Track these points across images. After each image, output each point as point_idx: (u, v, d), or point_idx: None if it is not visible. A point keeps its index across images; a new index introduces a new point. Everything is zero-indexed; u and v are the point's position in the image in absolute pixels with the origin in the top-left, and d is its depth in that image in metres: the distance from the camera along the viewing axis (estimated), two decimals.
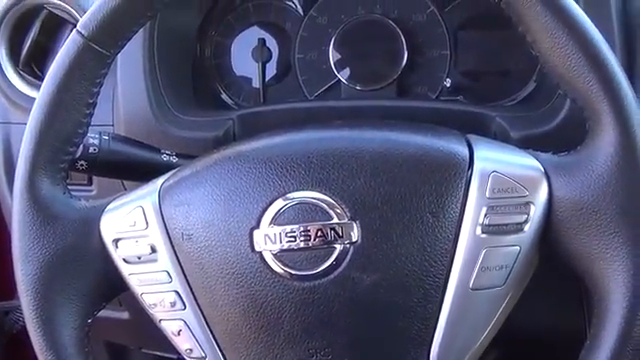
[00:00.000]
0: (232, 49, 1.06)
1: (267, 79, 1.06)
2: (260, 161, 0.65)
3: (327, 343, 0.65)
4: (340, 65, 1.02)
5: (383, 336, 0.65)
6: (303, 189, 0.66)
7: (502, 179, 0.66)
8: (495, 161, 0.67)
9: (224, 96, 1.06)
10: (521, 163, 0.68)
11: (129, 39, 0.71)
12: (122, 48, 0.72)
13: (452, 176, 0.66)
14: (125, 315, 1.05)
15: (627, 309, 0.62)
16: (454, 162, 0.66)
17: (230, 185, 0.67)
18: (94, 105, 0.71)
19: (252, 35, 1.05)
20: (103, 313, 0.75)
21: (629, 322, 0.62)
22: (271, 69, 1.06)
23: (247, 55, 1.05)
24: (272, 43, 1.06)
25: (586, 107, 0.65)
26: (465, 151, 0.67)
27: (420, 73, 1.00)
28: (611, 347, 0.62)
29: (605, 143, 0.64)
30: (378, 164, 0.66)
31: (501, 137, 0.88)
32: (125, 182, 0.93)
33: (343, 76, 1.02)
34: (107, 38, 0.69)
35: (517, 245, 0.65)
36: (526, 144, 0.75)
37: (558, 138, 0.82)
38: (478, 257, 0.65)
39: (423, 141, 0.68)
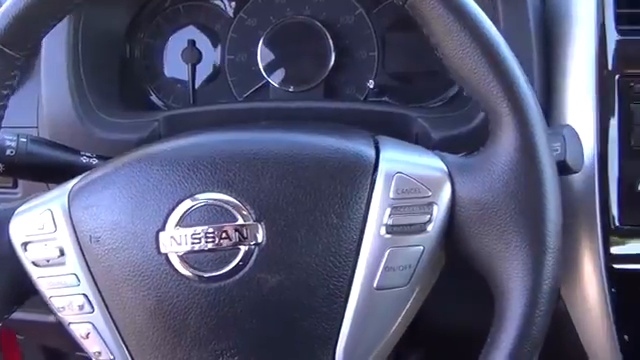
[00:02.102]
0: (163, 50, 1.07)
1: (198, 81, 1.06)
2: (167, 163, 0.66)
3: (233, 344, 0.66)
4: (269, 66, 1.03)
5: (289, 336, 0.66)
6: (209, 191, 0.67)
7: (406, 180, 0.67)
8: (400, 162, 0.69)
9: (154, 98, 1.07)
10: (426, 164, 0.69)
11: (40, 40, 0.72)
12: (33, 50, 0.72)
13: (357, 177, 0.67)
14: (52, 318, 1.05)
15: (525, 308, 0.64)
16: (360, 163, 0.68)
17: (137, 187, 0.68)
18: (4, 107, 0.72)
19: (183, 36, 1.06)
20: (32, 317, 0.75)
21: (527, 321, 0.64)
22: (202, 71, 1.07)
23: (178, 56, 1.06)
24: (203, 45, 1.06)
25: (488, 109, 0.67)
26: (371, 152, 0.69)
27: (348, 74, 1.02)
28: (510, 346, 0.64)
29: (505, 144, 0.66)
30: (284, 166, 0.67)
31: (423, 138, 0.90)
32: (50, 185, 0.93)
33: (272, 77, 1.03)
34: (17, 40, 0.70)
35: (421, 245, 0.67)
36: (446, 145, 0.78)
37: (477, 139, 0.83)
38: (382, 257, 0.66)
39: (330, 143, 0.70)
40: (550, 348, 0.87)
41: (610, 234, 0.85)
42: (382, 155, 0.69)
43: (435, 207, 0.67)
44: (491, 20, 0.84)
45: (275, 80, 1.03)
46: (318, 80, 1.02)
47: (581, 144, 0.75)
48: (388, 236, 0.67)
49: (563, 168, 0.74)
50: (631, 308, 0.86)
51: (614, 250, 0.85)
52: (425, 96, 1.00)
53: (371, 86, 1.00)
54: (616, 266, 0.86)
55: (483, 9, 0.84)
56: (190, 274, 0.66)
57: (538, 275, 0.64)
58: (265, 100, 1.03)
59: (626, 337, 0.86)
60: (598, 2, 0.87)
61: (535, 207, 0.65)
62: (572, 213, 0.87)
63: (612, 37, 0.87)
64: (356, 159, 0.68)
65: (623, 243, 0.85)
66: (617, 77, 0.85)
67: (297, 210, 0.66)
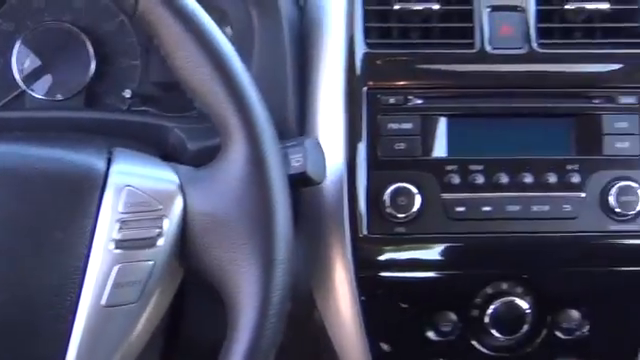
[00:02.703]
0: None
1: None
2: None
3: None
4: (26, 74, 0.99)
5: (13, 357, 0.63)
6: None
7: (136, 193, 0.66)
8: (131, 175, 0.67)
9: None
10: (158, 177, 0.69)
11: None
12: None
13: (85, 191, 0.66)
14: None
15: (255, 320, 0.65)
16: (88, 177, 0.66)
17: None
18: None
19: None
20: None
21: (258, 333, 0.65)
22: None
23: None
24: None
25: (218, 120, 0.67)
26: (102, 165, 0.67)
27: (109, 83, 1.00)
28: (240, 358, 0.64)
29: (236, 156, 0.66)
30: (6, 180, 0.64)
31: (179, 149, 0.89)
32: None
33: (28, 85, 0.99)
34: None
35: (151, 260, 0.66)
36: (203, 156, 0.77)
37: None
38: (111, 273, 0.65)
39: (60, 156, 0.68)
40: (307, 357, 0.89)
41: (359, 243, 0.87)
42: (113, 168, 0.67)
43: (166, 220, 0.66)
44: (246, 31, 0.85)
45: (33, 88, 0.99)
46: (79, 89, 0.99)
47: (323, 155, 0.77)
48: (117, 251, 0.65)
49: (304, 180, 0.75)
50: (380, 315, 0.89)
51: (363, 258, 0.87)
52: (185, 106, 0.99)
53: (127, 95, 0.98)
54: (365, 274, 0.87)
55: (238, 20, 0.86)
56: None
57: (267, 287, 0.65)
58: (21, 109, 0.98)
59: (379, 344, 0.88)
60: (348, 15, 0.89)
61: (264, 219, 0.66)
62: (323, 223, 0.89)
63: (360, 50, 0.89)
64: (85, 172, 0.66)
65: (371, 251, 0.87)
66: (365, 89, 0.87)
67: (21, 226, 0.63)
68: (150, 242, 0.66)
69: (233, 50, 0.67)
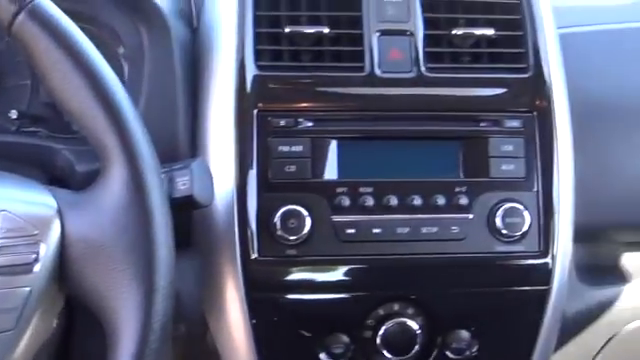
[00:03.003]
0: None
1: None
2: None
3: None
4: None
5: None
6: None
7: (12, 218, 0.65)
8: (7, 200, 0.66)
9: None
10: (35, 201, 0.67)
11: None
12: None
13: None
14: None
15: (135, 347, 0.64)
16: None
17: None
18: None
19: None
20: None
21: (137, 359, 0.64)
22: None
23: None
24: None
25: (96, 143, 0.66)
26: None
27: None
28: None
29: (114, 179, 0.66)
30: None
31: (67, 171, 0.88)
32: None
33: None
34: None
35: (28, 286, 0.65)
36: (91, 179, 0.76)
37: None
38: None
39: None
40: None
41: (250, 265, 0.88)
42: None
43: (43, 246, 0.65)
44: (137, 52, 0.84)
45: None
46: None
47: (211, 177, 0.77)
48: None
49: (191, 203, 0.75)
50: (272, 336, 0.90)
51: (254, 281, 0.87)
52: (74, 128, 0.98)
53: (14, 116, 0.96)
54: (257, 296, 0.88)
55: (128, 39, 0.85)
56: None
57: (147, 314, 0.64)
58: None
59: None
60: (239, 37, 0.89)
61: (143, 245, 0.65)
62: (215, 245, 0.90)
63: (251, 72, 0.90)
64: None
65: (262, 273, 0.89)
66: (255, 111, 0.88)
67: None
68: (26, 268, 0.65)
69: (111, 71, 0.66)
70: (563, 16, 1.01)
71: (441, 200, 0.89)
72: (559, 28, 0.98)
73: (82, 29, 0.68)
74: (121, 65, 0.94)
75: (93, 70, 0.65)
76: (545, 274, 0.93)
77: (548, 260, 0.92)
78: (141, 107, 0.90)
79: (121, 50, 0.95)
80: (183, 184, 0.76)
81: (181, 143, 0.91)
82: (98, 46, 0.70)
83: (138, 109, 0.87)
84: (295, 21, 0.91)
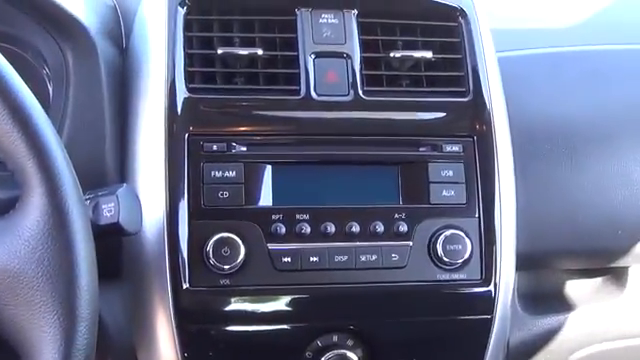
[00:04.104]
0: None
1: None
2: None
3: None
4: None
5: None
6: None
7: None
8: None
9: None
10: None
11: None
12: None
13: None
14: None
15: None
16: None
17: None
18: None
19: None
20: None
21: None
22: None
23: None
24: None
25: (15, 170, 0.65)
26: None
27: None
28: None
29: (33, 206, 0.65)
30: None
31: None
32: None
33: None
34: None
35: None
36: (11, 204, 0.74)
37: None
38: None
39: None
40: None
41: (182, 295, 0.87)
42: None
43: None
44: (61, 72, 0.83)
45: None
46: None
47: (138, 204, 0.76)
48: None
49: (117, 230, 0.74)
50: None
51: (186, 311, 0.87)
52: None
53: None
54: (189, 328, 0.87)
55: (52, 60, 0.84)
56: None
57: (68, 347, 0.63)
58: None
59: None
60: (169, 59, 0.89)
61: (64, 274, 0.64)
62: (145, 275, 0.89)
63: (182, 95, 0.90)
64: None
65: (195, 304, 0.88)
66: (186, 135, 0.88)
67: None
68: None
69: (30, 93, 0.65)
70: (502, 39, 1.02)
71: (380, 227, 0.90)
72: (498, 52, 0.99)
73: (4, 49, 0.67)
74: (46, 86, 0.93)
75: (11, 92, 0.64)
76: (488, 302, 0.93)
77: (490, 288, 0.93)
78: (66, 130, 0.89)
79: (45, 71, 0.94)
80: (109, 211, 0.75)
81: (108, 168, 0.91)
82: (21, 67, 0.69)
83: (63, 132, 0.86)
84: (228, 42, 0.92)
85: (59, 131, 0.88)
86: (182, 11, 0.91)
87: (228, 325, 0.90)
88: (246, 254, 0.87)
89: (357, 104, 0.93)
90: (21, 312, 0.64)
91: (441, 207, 0.92)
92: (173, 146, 0.89)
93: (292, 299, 0.90)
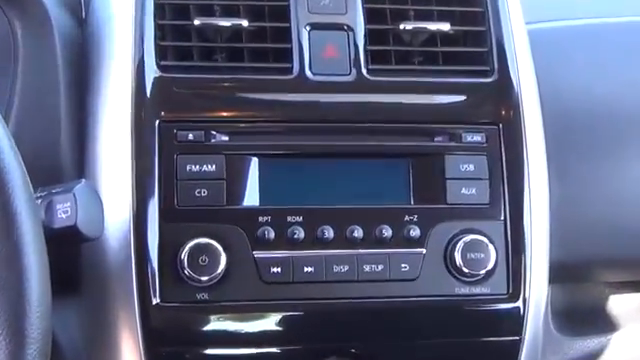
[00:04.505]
0: None
1: None
2: None
3: None
4: None
5: None
6: None
7: None
8: None
9: None
10: None
11: None
12: None
13: None
14: None
15: None
16: None
17: None
18: None
19: None
20: None
21: None
22: None
23: None
24: None
25: None
26: None
27: None
28: None
29: None
30: None
31: None
32: None
33: None
34: None
35: None
36: None
37: None
38: None
39: None
40: None
41: (151, 312, 0.87)
42: None
43: None
44: (8, 45, 0.83)
45: None
46: None
47: (100, 204, 0.76)
48: None
49: (75, 234, 0.74)
50: None
51: (157, 331, 0.86)
52: None
53: None
54: (160, 351, 0.87)
55: None
56: None
57: None
58: None
59: None
60: (137, 31, 0.89)
61: (11, 288, 0.64)
62: (107, 288, 0.89)
63: (152, 74, 0.90)
64: None
65: (167, 322, 0.88)
66: (157, 122, 0.88)
67: None
68: None
69: None
70: (533, 8, 1.02)
71: (387, 231, 0.90)
72: (528, 23, 0.99)
73: None
74: None
75: None
76: (516, 322, 0.93)
77: (519, 304, 0.93)
78: (14, 114, 0.88)
79: None
80: (64, 212, 0.75)
81: (64, 161, 0.91)
82: None
83: (10, 117, 0.86)
84: (207, 11, 0.91)
85: (5, 116, 0.87)
86: None
87: (206, 348, 0.90)
88: (228, 263, 0.87)
89: (360, 85, 0.92)
90: None
91: (460, 208, 0.92)
92: (141, 135, 0.89)
93: (283, 317, 0.90)
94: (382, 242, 0.90)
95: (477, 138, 0.92)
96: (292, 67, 0.91)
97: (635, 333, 1.07)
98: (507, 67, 0.95)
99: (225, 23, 0.91)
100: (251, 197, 0.89)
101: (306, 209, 0.89)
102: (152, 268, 0.87)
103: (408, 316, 0.91)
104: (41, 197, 0.72)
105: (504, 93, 0.94)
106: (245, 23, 0.91)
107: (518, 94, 0.95)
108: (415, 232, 0.90)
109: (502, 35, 0.96)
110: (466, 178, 0.92)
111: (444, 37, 0.95)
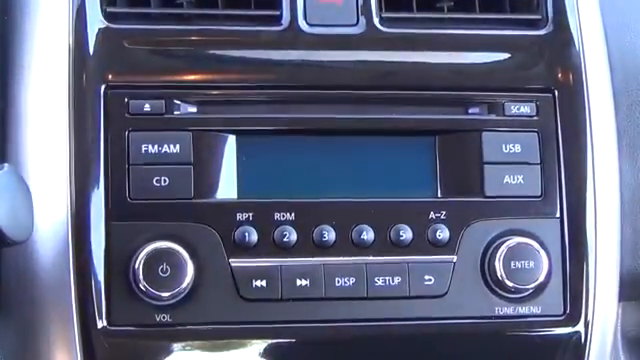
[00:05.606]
0: None
1: None
2: None
3: None
4: None
5: None
6: None
7: None
8: None
9: None
10: None
11: None
12: None
13: None
14: None
15: None
16: None
17: None
18: None
19: None
20: None
21: None
22: None
23: None
24: None
25: None
26: None
27: None
28: None
29: None
30: None
31: None
32: None
33: None
34: None
35: None
36: None
37: None
38: None
39: None
40: None
41: (96, 338, 0.88)
42: None
43: None
44: None
45: None
46: None
47: (27, 197, 0.77)
48: None
49: None
50: None
51: None
52: None
53: None
54: None
55: None
56: None
57: None
58: None
59: None
60: None
61: None
62: (38, 308, 0.91)
63: (95, 24, 0.91)
64: None
65: (116, 351, 0.89)
66: (102, 88, 0.89)
67: None
68: None
69: None
70: None
71: (406, 233, 0.92)
72: None
73: None
74: None
75: None
76: (575, 349, 0.95)
77: (579, 328, 0.95)
78: None
79: None
80: None
81: None
82: None
83: None
84: None
85: None
86: None
87: None
88: (196, 275, 0.88)
89: (370, 39, 0.94)
90: None
91: (502, 202, 0.93)
92: (81, 105, 0.90)
93: (268, 345, 0.92)
94: (399, 247, 0.91)
95: (525, 109, 0.94)
96: (281, 15, 0.93)
97: None
98: (565, 16, 0.96)
99: None
100: (226, 187, 0.90)
101: (298, 203, 0.90)
102: (97, 281, 0.88)
103: (433, 344, 0.93)
104: None
105: (561, 50, 0.96)
106: None
107: (579, 51, 0.96)
108: (443, 234, 0.92)
109: None
110: (510, 162, 0.93)
111: None
